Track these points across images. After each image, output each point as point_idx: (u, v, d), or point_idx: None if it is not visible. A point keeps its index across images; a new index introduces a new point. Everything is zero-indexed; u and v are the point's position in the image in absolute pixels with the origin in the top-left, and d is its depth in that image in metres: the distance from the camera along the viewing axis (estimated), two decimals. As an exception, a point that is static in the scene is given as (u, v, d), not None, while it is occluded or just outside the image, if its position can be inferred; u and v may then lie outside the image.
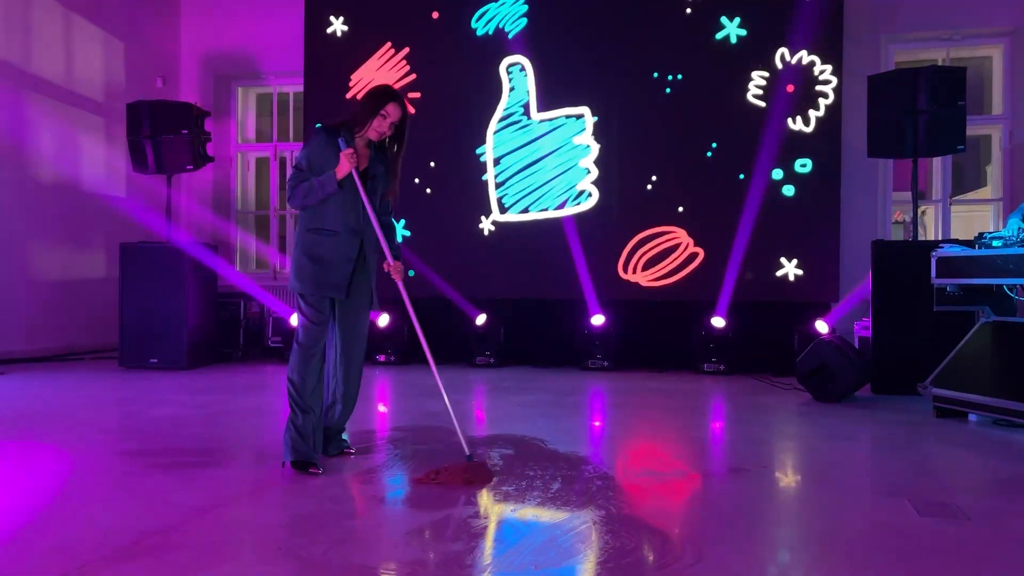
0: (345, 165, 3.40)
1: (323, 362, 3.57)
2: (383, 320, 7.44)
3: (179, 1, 9.18)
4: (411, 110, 7.52)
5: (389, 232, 3.66)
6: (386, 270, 3.59)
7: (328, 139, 3.48)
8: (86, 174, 8.11)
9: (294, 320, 6.95)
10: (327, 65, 7.82)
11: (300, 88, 8.31)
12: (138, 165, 7.18)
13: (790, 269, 6.95)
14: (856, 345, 6.50)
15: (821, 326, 6.71)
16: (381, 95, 3.52)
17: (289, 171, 3.72)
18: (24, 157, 7.40)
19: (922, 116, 5.81)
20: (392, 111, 3.51)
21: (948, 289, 4.90)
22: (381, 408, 5.24)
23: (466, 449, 3.40)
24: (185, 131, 7.04)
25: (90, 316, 7.94)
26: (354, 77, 7.79)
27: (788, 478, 3.48)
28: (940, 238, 7.41)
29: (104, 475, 3.33)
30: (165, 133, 7.02)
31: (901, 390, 5.57)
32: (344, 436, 3.75)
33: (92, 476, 3.31)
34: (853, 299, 7.10)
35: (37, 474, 3.31)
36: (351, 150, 3.43)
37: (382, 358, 7.45)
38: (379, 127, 3.50)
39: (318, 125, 3.64)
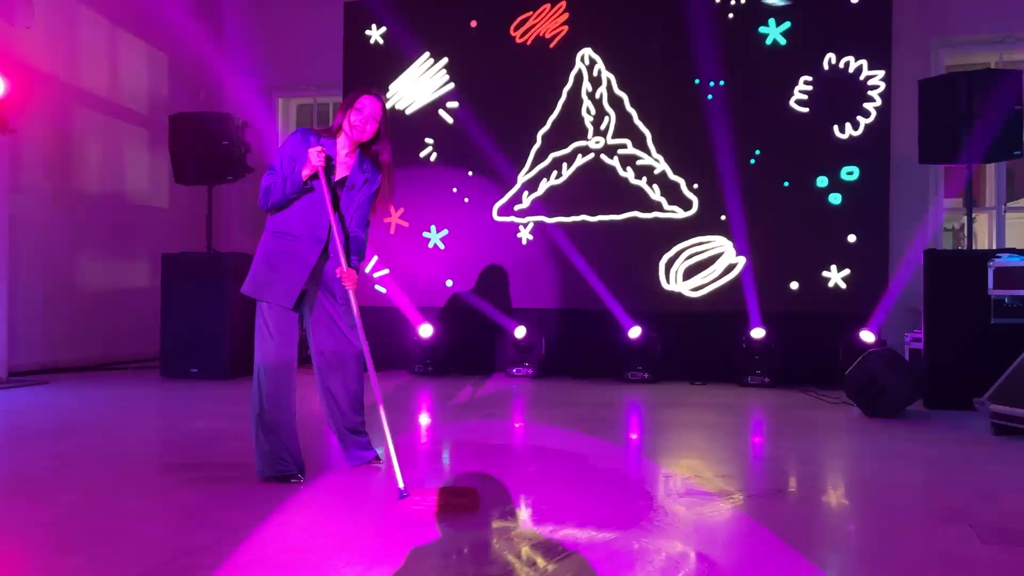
0: (310, 162, 3.28)
1: (290, 374, 3.41)
2: (425, 331, 7.39)
3: (221, 14, 9.27)
4: (449, 120, 7.61)
5: (355, 244, 3.47)
6: (338, 275, 3.37)
7: (303, 138, 3.38)
8: (130, 185, 8.22)
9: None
10: (366, 75, 7.82)
11: (340, 98, 8.33)
12: (179, 176, 7.25)
13: (837, 278, 6.77)
14: (907, 357, 6.30)
15: (867, 336, 6.51)
16: (354, 91, 3.45)
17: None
18: (70, 169, 7.52)
19: (976, 121, 5.61)
20: (367, 103, 3.39)
21: (1006, 301, 4.71)
22: (422, 420, 5.18)
23: (400, 484, 3.09)
24: (226, 142, 7.09)
25: (133, 326, 8.03)
26: (393, 87, 7.78)
27: (839, 500, 3.34)
28: (994, 247, 7.17)
29: (140, 489, 3.32)
30: (206, 144, 7.08)
31: (956, 405, 5.36)
32: (379, 453, 3.70)
33: (128, 490, 3.29)
34: (898, 309, 6.89)
35: (74, 487, 3.30)
36: (320, 148, 3.30)
37: (419, 368, 7.41)
38: (356, 122, 3.38)
39: (300, 127, 3.56)
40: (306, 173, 3.30)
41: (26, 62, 7.01)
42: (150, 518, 2.90)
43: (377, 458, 3.69)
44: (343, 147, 3.47)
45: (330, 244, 3.39)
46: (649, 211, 7.14)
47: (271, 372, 3.35)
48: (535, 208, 7.40)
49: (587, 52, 7.33)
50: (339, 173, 3.44)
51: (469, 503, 2.97)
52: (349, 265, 3.38)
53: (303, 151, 3.35)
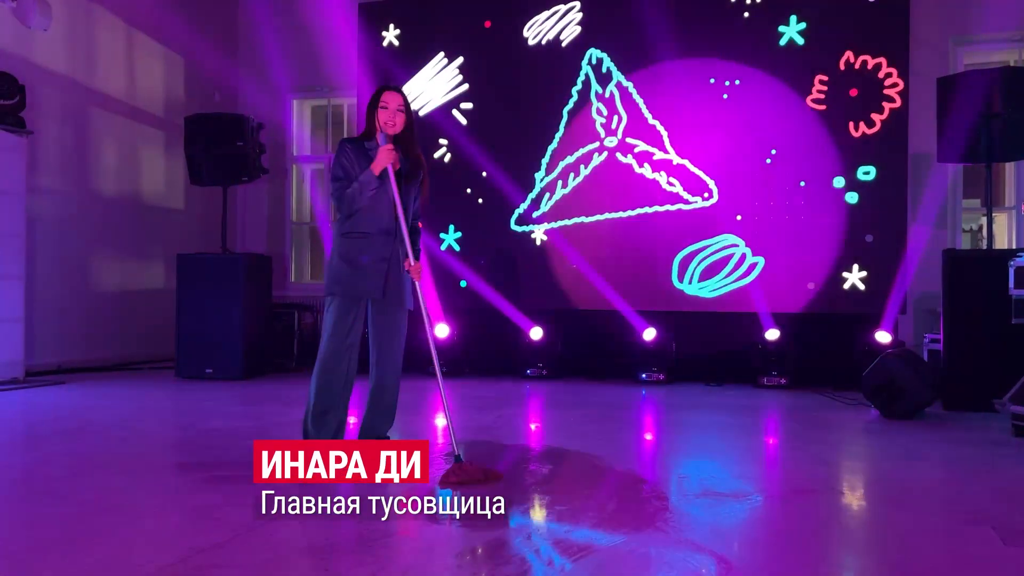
0: (384, 158, 3.49)
1: (348, 370, 3.61)
2: (442, 331, 7.38)
3: (236, 17, 9.32)
4: (463, 120, 7.60)
5: (413, 236, 3.74)
6: (406, 268, 3.65)
7: (356, 147, 3.60)
8: (146, 186, 8.25)
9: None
10: (381, 76, 7.82)
11: (355, 100, 8.34)
12: (195, 177, 7.28)
13: (854, 279, 6.71)
14: (926, 359, 6.23)
15: (884, 337, 6.44)
16: (375, 92, 3.67)
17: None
18: (86, 170, 7.56)
19: (995, 119, 5.53)
20: (389, 99, 3.61)
21: (1028, 301, 4.64)
22: (437, 421, 5.17)
23: (456, 450, 3.45)
24: (240, 143, 7.11)
25: (149, 326, 8.06)
26: (407, 87, 7.78)
27: (857, 501, 3.30)
28: (1013, 246, 7.08)
29: (155, 488, 3.32)
30: (220, 145, 7.09)
31: (975, 407, 5.28)
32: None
33: (143, 489, 3.30)
34: (917, 310, 6.82)
35: (88, 485, 3.31)
36: (391, 145, 3.52)
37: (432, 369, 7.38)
38: (386, 119, 3.59)
39: (340, 140, 3.71)
40: (379, 168, 3.50)
41: (43, 64, 7.07)
42: (164, 516, 2.90)
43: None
44: (386, 142, 3.63)
45: (398, 237, 3.60)
46: (666, 205, 7.07)
47: (324, 366, 3.58)
48: (552, 213, 7.36)
49: (594, 52, 7.29)
50: (395, 165, 3.63)
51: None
52: (416, 257, 3.64)
53: (361, 159, 3.57)
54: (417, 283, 3.67)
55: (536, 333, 7.24)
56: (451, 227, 7.61)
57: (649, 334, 6.97)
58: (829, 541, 2.69)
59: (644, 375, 6.95)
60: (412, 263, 3.63)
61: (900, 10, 6.70)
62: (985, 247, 5.82)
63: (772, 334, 6.73)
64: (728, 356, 7.01)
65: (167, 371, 7.45)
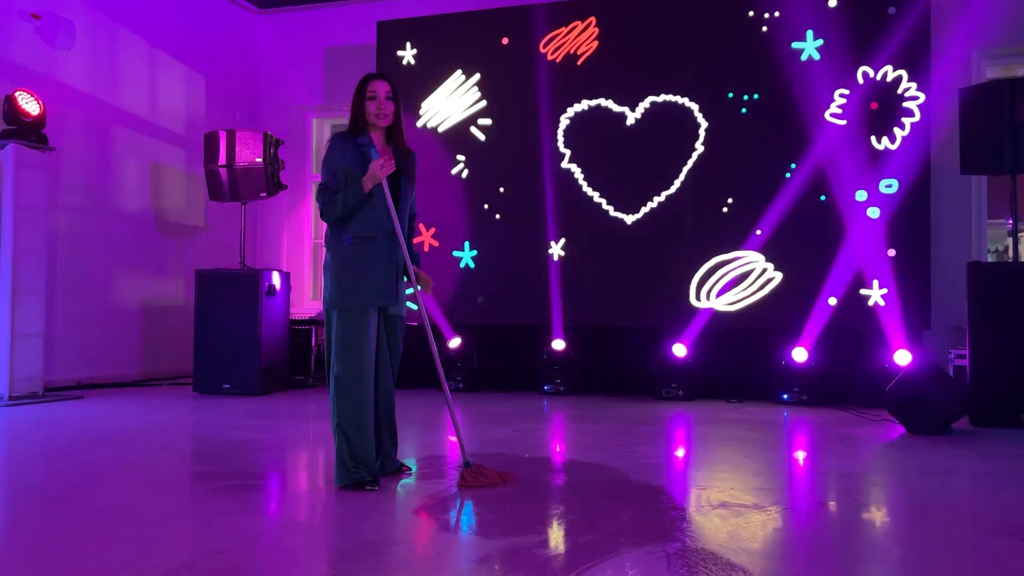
0: (376, 175, 3.30)
1: (370, 391, 3.36)
2: (454, 342, 7.36)
3: (256, 35, 9.42)
4: (481, 137, 7.60)
5: (410, 239, 3.57)
6: (416, 282, 3.48)
7: (345, 145, 3.40)
8: (166, 203, 8.32)
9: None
10: (398, 93, 7.83)
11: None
12: (214, 193, 7.32)
13: (876, 294, 6.60)
14: (951, 375, 6.10)
15: (908, 353, 6.30)
16: (360, 82, 3.50)
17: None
18: (108, 187, 7.63)
19: (1020, 129, 5.45)
20: (377, 87, 3.45)
21: (1055, 312, 4.54)
22: (454, 436, 5.12)
23: (465, 457, 3.51)
24: (259, 159, 7.15)
25: (168, 342, 8.09)
26: (425, 104, 7.81)
27: (881, 513, 3.20)
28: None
29: (166, 496, 3.30)
30: (239, 161, 7.14)
31: (1003, 422, 5.17)
32: (407, 463, 3.66)
33: (155, 497, 3.27)
34: (941, 325, 6.69)
35: (101, 493, 3.29)
36: (382, 160, 3.32)
37: (450, 384, 7.35)
38: (376, 109, 3.42)
39: (332, 135, 3.56)
40: (370, 185, 3.31)
41: (66, 82, 7.17)
42: (173, 522, 2.87)
43: (407, 468, 3.68)
44: (379, 140, 3.50)
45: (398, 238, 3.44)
46: (682, 225, 7.03)
47: (345, 395, 3.32)
48: (568, 223, 7.32)
49: (618, 69, 7.26)
50: (389, 165, 3.44)
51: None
52: (416, 263, 3.52)
53: (351, 158, 3.37)
54: (423, 295, 3.51)
55: (554, 348, 7.18)
56: (468, 244, 7.58)
57: (679, 351, 6.86)
58: (850, 551, 2.60)
59: (664, 391, 6.86)
60: (415, 275, 3.47)
61: (921, 23, 6.63)
62: (1012, 259, 5.71)
63: (795, 352, 6.62)
64: (749, 373, 6.90)
65: (186, 387, 7.46)
